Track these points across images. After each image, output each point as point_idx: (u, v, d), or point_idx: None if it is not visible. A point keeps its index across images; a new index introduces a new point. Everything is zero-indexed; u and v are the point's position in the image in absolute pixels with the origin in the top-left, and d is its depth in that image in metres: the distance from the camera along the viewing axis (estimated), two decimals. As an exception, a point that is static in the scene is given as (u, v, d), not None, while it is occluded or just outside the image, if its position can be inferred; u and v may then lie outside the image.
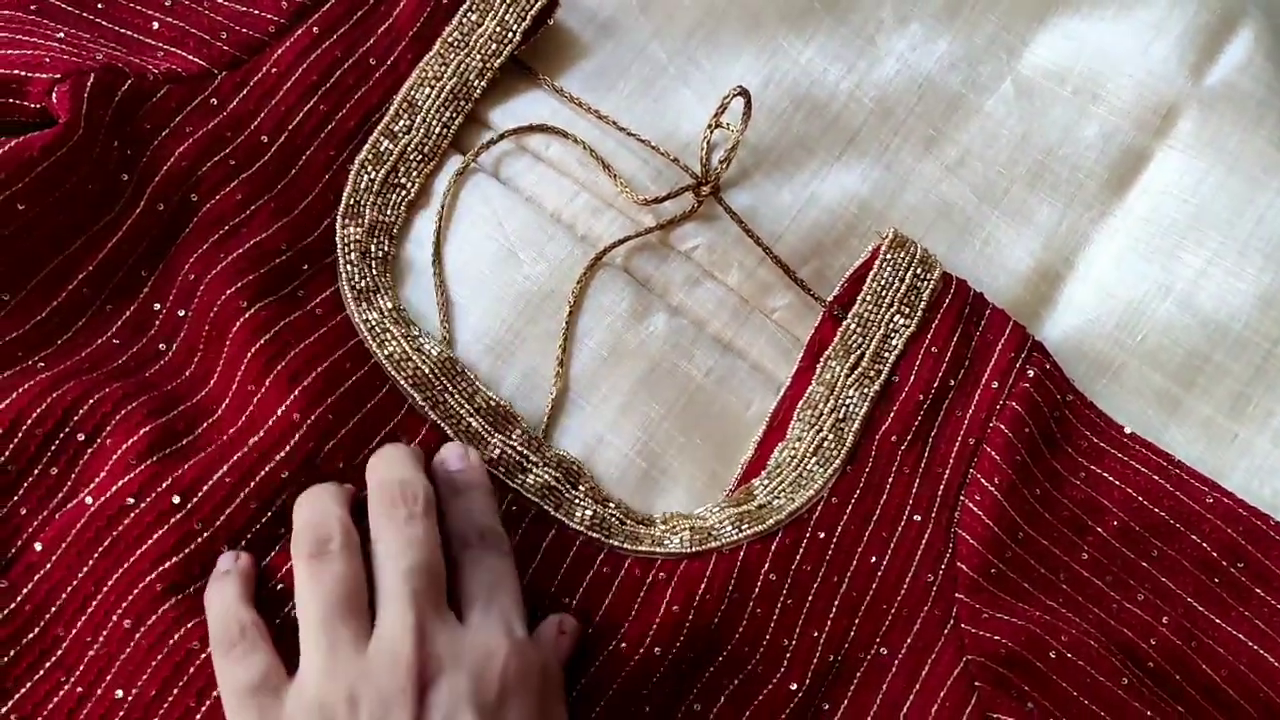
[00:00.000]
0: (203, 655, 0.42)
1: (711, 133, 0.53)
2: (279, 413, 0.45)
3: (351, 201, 0.51)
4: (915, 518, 0.49)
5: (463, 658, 0.40)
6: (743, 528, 0.48)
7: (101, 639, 0.43)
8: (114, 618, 0.43)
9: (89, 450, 0.44)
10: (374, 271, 0.50)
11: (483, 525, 0.44)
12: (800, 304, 0.54)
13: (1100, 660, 0.47)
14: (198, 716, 0.42)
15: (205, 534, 0.43)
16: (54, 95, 0.47)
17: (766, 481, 0.50)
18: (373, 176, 0.51)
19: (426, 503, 0.43)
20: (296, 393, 0.46)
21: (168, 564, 0.43)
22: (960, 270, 0.54)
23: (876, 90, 0.57)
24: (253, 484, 0.44)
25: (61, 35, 0.49)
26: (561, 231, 0.53)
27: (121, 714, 0.42)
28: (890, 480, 0.49)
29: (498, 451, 0.48)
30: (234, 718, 0.40)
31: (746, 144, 0.54)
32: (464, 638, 0.41)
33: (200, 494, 0.44)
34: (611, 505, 0.49)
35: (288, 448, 0.45)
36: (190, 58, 0.50)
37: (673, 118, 0.55)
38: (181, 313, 0.48)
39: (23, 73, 0.47)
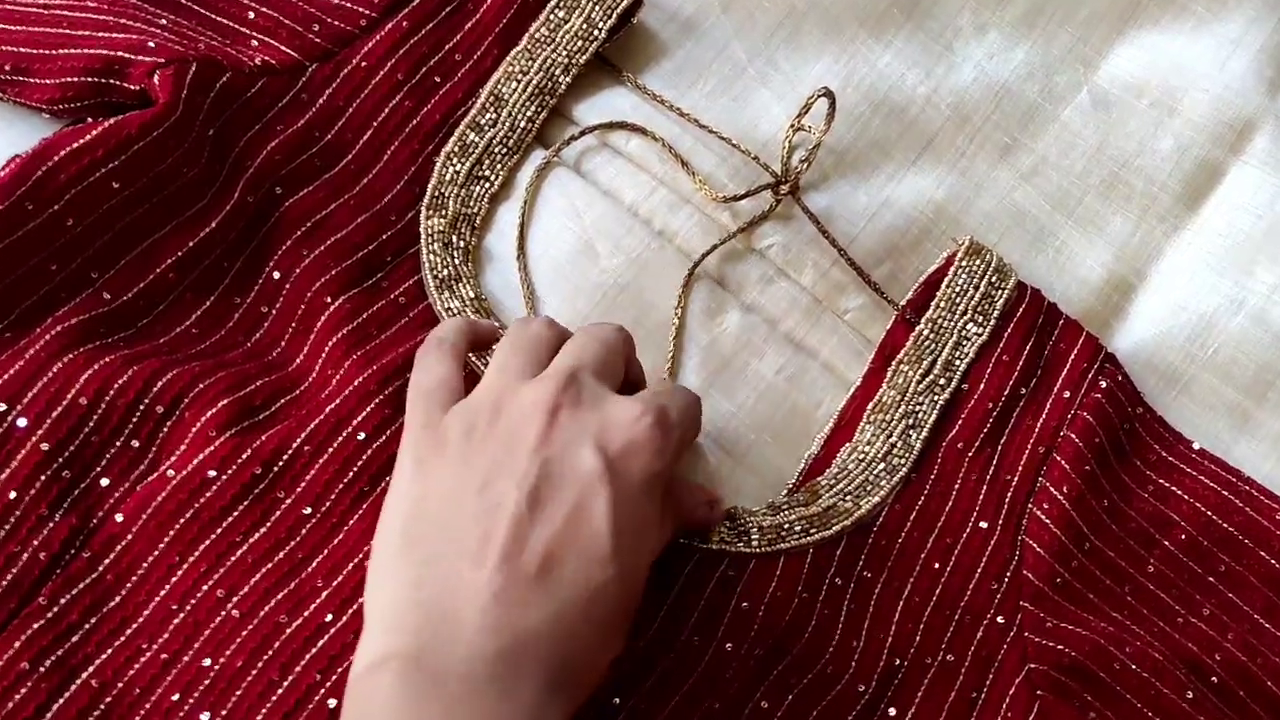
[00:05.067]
0: (289, 629, 0.43)
1: (794, 133, 0.53)
2: (356, 383, 0.46)
3: (436, 194, 0.51)
4: (981, 525, 0.49)
5: (603, 406, 0.41)
6: (810, 532, 0.48)
7: (189, 607, 0.43)
8: (205, 587, 0.43)
9: (168, 423, 0.45)
10: (456, 261, 0.51)
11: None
12: (872, 306, 0.54)
13: (1165, 673, 0.47)
14: (280, 690, 0.42)
15: (288, 500, 0.44)
16: (155, 78, 0.47)
17: (832, 483, 0.50)
18: (457, 169, 0.52)
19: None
20: (374, 368, 0.47)
21: (257, 535, 0.44)
22: (1032, 278, 0.54)
23: (953, 96, 0.57)
24: (331, 449, 0.45)
25: (164, 22, 0.50)
26: (639, 225, 0.53)
27: (206, 683, 0.43)
28: (956, 488, 0.50)
29: None
30: (407, 415, 0.43)
31: (824, 145, 0.54)
32: (612, 400, 0.42)
33: (280, 464, 0.44)
34: None
35: (365, 412, 0.46)
36: (283, 48, 0.51)
37: (751, 117, 0.56)
38: (265, 309, 0.49)
39: (126, 54, 0.48)
